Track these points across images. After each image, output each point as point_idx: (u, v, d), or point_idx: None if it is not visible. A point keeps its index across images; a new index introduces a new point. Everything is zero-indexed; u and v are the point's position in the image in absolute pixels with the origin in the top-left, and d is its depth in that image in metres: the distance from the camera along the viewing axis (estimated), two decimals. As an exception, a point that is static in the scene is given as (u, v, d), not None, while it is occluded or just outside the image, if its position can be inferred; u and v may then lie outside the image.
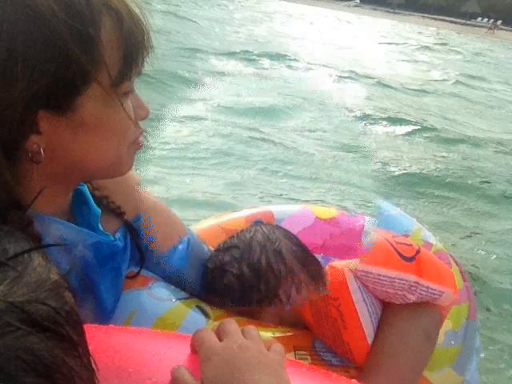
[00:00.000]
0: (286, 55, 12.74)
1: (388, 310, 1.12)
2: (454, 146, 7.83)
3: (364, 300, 1.09)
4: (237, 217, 1.46)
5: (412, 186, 5.76)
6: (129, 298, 1.06)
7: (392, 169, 6.26)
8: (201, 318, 1.06)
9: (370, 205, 4.96)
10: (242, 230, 1.22)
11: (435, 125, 8.98)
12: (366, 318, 1.09)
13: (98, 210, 1.01)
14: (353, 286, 1.09)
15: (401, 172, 6.21)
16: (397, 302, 1.11)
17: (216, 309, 1.11)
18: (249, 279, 1.09)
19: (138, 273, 1.09)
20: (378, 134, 7.84)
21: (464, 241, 4.55)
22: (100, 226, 1.01)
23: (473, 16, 76.51)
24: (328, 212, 1.52)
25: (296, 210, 1.52)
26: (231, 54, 11.64)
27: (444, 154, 7.28)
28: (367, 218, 1.52)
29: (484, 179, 6.28)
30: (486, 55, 25.17)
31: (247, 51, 12.12)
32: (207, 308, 1.09)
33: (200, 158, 5.49)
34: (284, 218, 1.46)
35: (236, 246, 1.15)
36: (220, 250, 1.18)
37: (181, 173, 4.95)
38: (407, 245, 1.16)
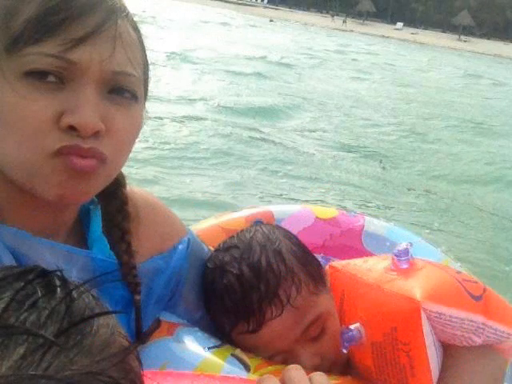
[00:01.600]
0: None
1: (451, 354, 1.02)
2: (453, 147, 7.82)
3: (434, 344, 0.99)
4: (237, 217, 1.45)
5: (414, 185, 5.76)
6: (157, 348, 1.01)
7: (392, 169, 6.26)
8: (240, 370, 0.99)
9: (370, 205, 4.96)
10: (241, 230, 1.21)
11: (436, 124, 8.97)
12: (434, 364, 0.99)
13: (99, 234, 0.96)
14: (426, 328, 0.97)
15: (401, 172, 6.20)
16: (460, 345, 1.01)
17: (253, 356, 1.04)
18: (249, 279, 1.09)
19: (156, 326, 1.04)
20: (378, 134, 7.83)
21: (459, 239, 4.55)
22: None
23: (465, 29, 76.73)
24: (328, 212, 1.52)
25: (296, 210, 1.51)
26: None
27: (444, 153, 7.27)
28: (367, 218, 1.51)
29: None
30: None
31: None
32: (243, 355, 1.03)
33: (200, 157, 5.49)
34: (284, 218, 1.45)
35: (236, 246, 1.15)
36: (220, 250, 1.18)
37: (181, 173, 4.95)
38: (474, 282, 1.06)
